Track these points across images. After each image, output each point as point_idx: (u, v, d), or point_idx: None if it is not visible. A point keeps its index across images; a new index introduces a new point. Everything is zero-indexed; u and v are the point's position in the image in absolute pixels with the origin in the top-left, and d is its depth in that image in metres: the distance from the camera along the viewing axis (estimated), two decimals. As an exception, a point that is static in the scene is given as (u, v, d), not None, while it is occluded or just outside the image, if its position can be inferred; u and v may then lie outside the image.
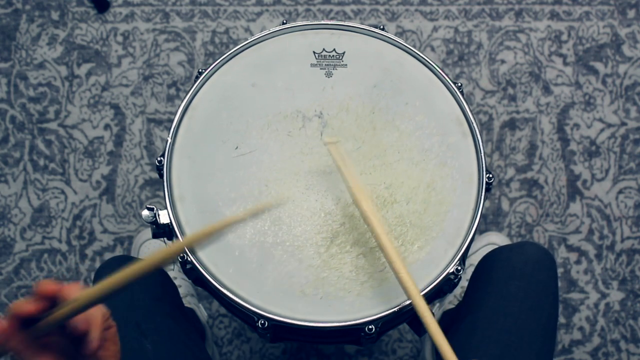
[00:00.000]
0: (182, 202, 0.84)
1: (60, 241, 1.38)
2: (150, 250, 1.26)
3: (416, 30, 1.49)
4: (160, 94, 1.45)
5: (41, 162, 1.41)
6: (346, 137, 0.87)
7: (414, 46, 0.96)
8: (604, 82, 1.46)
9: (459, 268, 0.80)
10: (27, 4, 1.50)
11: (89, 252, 1.37)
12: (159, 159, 0.86)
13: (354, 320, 0.78)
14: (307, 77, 0.91)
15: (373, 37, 0.94)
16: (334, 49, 0.92)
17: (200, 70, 0.91)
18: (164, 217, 0.83)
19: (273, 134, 0.87)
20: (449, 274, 0.80)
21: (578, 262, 1.38)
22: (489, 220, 1.39)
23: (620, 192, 1.41)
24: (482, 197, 0.84)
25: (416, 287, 0.74)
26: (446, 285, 0.82)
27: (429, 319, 0.70)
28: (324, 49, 0.92)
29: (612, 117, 1.45)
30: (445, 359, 0.68)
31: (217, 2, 1.50)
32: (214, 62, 0.91)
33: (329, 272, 0.81)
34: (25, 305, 0.57)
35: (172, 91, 1.45)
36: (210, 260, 0.81)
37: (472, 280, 0.96)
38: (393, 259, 0.74)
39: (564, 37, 1.49)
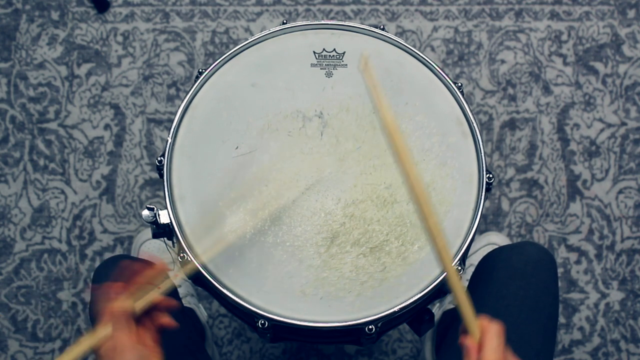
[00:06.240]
0: (182, 202, 0.84)
1: (60, 241, 1.38)
2: (150, 250, 1.26)
3: (416, 30, 1.49)
4: (160, 94, 1.45)
5: (41, 162, 1.41)
6: (346, 137, 0.87)
7: (414, 46, 0.96)
8: (604, 82, 1.46)
9: (459, 268, 0.80)
10: (27, 4, 1.50)
11: (89, 252, 1.37)
12: (159, 159, 0.86)
13: (354, 320, 0.78)
14: (307, 77, 0.91)
15: (373, 37, 0.94)
16: (334, 49, 0.92)
17: (200, 70, 0.91)
18: (164, 217, 0.83)
19: (273, 134, 0.87)
20: (449, 274, 0.80)
21: (578, 262, 1.38)
22: (489, 220, 1.39)
23: (620, 192, 1.41)
24: (482, 197, 0.84)
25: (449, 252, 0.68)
26: (446, 285, 0.82)
27: (454, 277, 0.66)
28: (324, 49, 0.92)
29: (612, 117, 1.45)
30: (467, 322, 0.66)
31: (217, 2, 1.50)
32: (214, 62, 0.91)
33: (329, 272, 0.81)
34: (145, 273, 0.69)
35: (172, 91, 1.45)
36: (210, 260, 0.81)
37: (472, 280, 0.96)
38: (424, 208, 0.65)
39: (564, 37, 1.49)
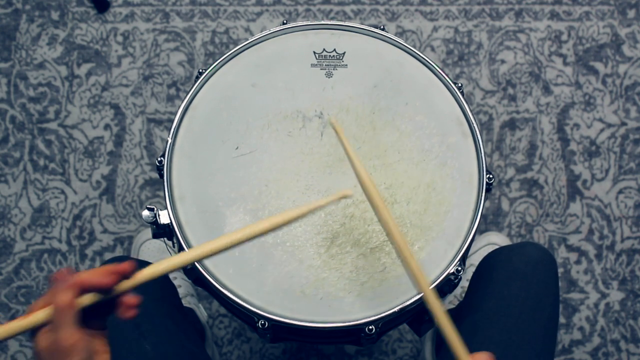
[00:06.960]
0: (182, 202, 0.84)
1: (60, 241, 1.38)
2: (150, 250, 1.26)
3: (416, 30, 1.49)
4: (160, 94, 1.45)
5: (41, 162, 1.41)
6: (346, 137, 0.87)
7: (414, 46, 0.96)
8: (604, 82, 1.46)
9: (459, 268, 0.80)
10: (27, 4, 1.50)
11: (89, 252, 1.37)
12: (159, 159, 0.86)
13: (354, 320, 0.78)
14: (307, 77, 0.91)
15: (373, 37, 0.94)
16: (334, 49, 0.92)
17: (200, 71, 0.91)
18: (164, 217, 0.83)
19: (273, 134, 0.87)
20: (449, 274, 0.80)
21: (578, 262, 1.38)
22: (489, 220, 1.39)
23: (620, 192, 1.41)
24: (482, 197, 0.84)
25: (425, 277, 0.67)
26: (446, 285, 0.82)
27: (438, 310, 0.66)
28: (324, 49, 0.92)
29: (612, 117, 1.45)
30: (455, 352, 0.65)
31: (217, 2, 1.50)
32: (214, 62, 0.91)
33: (329, 273, 0.81)
34: (102, 278, 0.59)
35: (172, 91, 1.45)
36: (210, 261, 0.81)
37: (473, 281, 0.96)
38: (401, 247, 0.67)
39: (564, 37, 1.49)
